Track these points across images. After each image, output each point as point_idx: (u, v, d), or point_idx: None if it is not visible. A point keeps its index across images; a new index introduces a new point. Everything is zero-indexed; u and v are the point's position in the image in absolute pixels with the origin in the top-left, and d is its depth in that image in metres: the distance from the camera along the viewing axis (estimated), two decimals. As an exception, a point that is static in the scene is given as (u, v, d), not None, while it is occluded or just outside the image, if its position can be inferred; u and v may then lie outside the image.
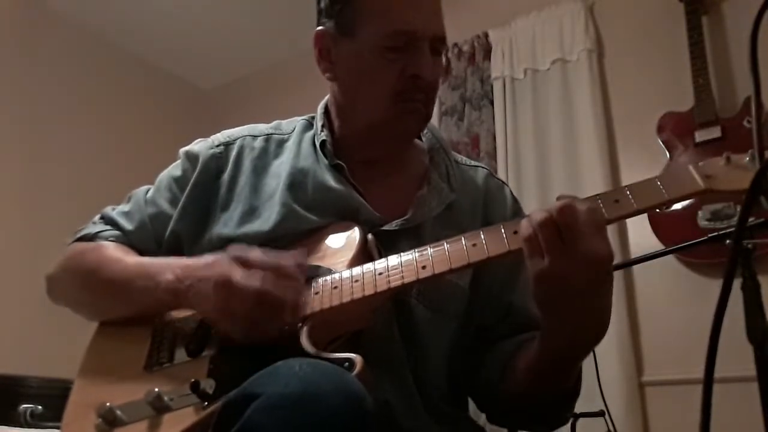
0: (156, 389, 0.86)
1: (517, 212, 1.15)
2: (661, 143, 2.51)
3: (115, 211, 1.15)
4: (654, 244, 2.30)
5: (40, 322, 2.28)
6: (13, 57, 3.16)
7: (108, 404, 0.88)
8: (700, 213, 2.29)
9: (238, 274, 0.87)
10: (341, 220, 1.03)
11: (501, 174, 2.76)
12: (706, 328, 0.62)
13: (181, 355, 0.93)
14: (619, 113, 2.75)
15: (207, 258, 0.94)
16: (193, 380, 0.84)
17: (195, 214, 1.10)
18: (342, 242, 1.00)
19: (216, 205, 1.09)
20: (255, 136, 1.16)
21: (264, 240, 1.00)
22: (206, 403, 0.83)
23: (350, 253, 0.97)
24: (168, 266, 0.96)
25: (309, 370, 0.70)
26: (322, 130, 1.13)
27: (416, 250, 0.91)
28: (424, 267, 0.88)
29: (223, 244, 1.03)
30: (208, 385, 0.84)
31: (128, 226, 1.11)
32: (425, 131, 1.18)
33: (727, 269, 0.63)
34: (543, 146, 2.81)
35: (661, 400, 2.38)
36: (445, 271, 0.87)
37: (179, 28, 3.58)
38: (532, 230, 0.80)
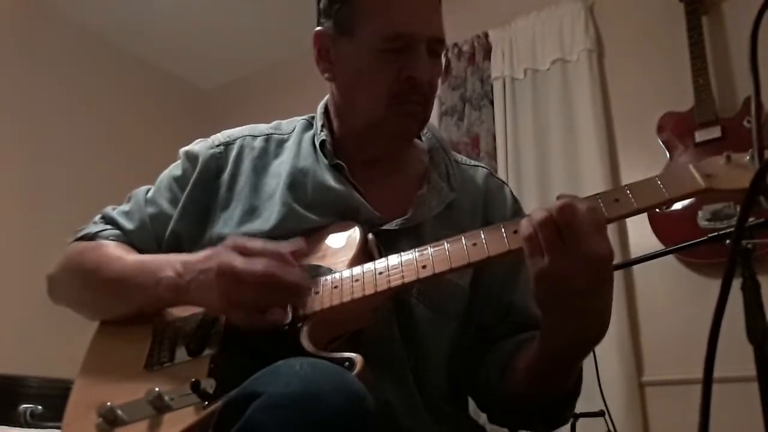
0: (157, 389, 0.86)
1: (517, 212, 1.15)
2: (661, 143, 2.51)
3: (115, 211, 1.15)
4: (654, 244, 2.30)
5: (40, 322, 2.29)
6: (13, 57, 3.16)
7: (109, 404, 0.88)
8: (700, 213, 2.29)
9: (239, 261, 0.87)
10: (341, 219, 1.03)
11: (501, 174, 2.76)
12: (706, 328, 0.62)
13: (181, 354, 0.93)
14: (619, 113, 2.75)
15: (205, 251, 0.94)
16: (193, 380, 0.84)
17: (195, 213, 1.10)
18: (342, 242, 1.00)
19: (216, 205, 1.09)
20: (255, 136, 1.16)
21: (264, 239, 1.00)
22: (207, 402, 0.83)
23: (350, 253, 0.97)
24: (168, 262, 0.97)
25: (309, 369, 0.70)
26: (321, 130, 1.13)
27: (416, 249, 0.91)
28: (424, 266, 0.88)
29: (223, 243, 1.04)
30: (209, 385, 0.84)
31: (128, 225, 1.12)
32: (425, 131, 1.18)
33: (727, 269, 0.63)
34: (543, 146, 2.81)
35: (661, 400, 2.38)
36: (446, 270, 0.87)
37: (179, 28, 3.58)
38: (532, 229, 0.80)
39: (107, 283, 1.02)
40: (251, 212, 1.06)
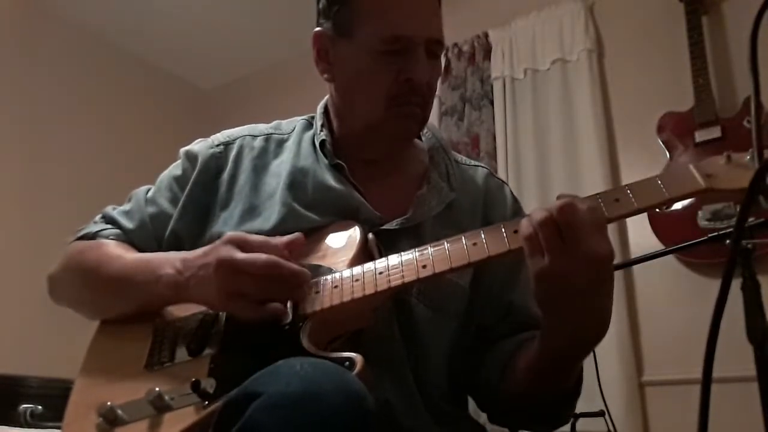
0: (157, 388, 0.86)
1: (517, 212, 1.16)
2: (661, 143, 2.51)
3: (115, 211, 1.15)
4: (654, 244, 2.30)
5: (40, 322, 2.29)
6: (13, 57, 3.16)
7: (109, 403, 0.88)
8: (700, 213, 2.29)
9: (239, 254, 0.88)
10: (341, 219, 1.03)
11: (501, 174, 2.76)
12: (706, 328, 0.62)
13: (182, 354, 0.93)
14: (619, 113, 2.75)
15: (205, 248, 0.94)
16: (193, 379, 0.84)
17: (195, 213, 1.10)
18: (342, 241, 1.00)
19: (216, 204, 1.10)
20: (255, 136, 1.17)
21: (264, 239, 1.01)
22: (207, 402, 0.83)
23: (351, 253, 0.97)
24: (167, 260, 0.97)
25: (310, 369, 0.70)
26: (321, 130, 1.13)
27: (416, 249, 0.91)
28: (424, 266, 0.88)
29: (223, 243, 1.04)
30: (209, 385, 0.84)
31: (129, 224, 1.12)
32: (425, 131, 1.18)
33: (726, 269, 0.63)
34: (543, 146, 2.81)
35: (661, 400, 2.38)
36: (446, 270, 0.87)
37: (179, 28, 3.58)
38: (532, 229, 0.80)
39: (107, 282, 1.02)
40: (251, 211, 1.06)
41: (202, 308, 0.97)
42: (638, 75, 2.72)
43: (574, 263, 0.77)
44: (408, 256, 0.91)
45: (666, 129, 2.51)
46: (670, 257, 2.38)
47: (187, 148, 1.17)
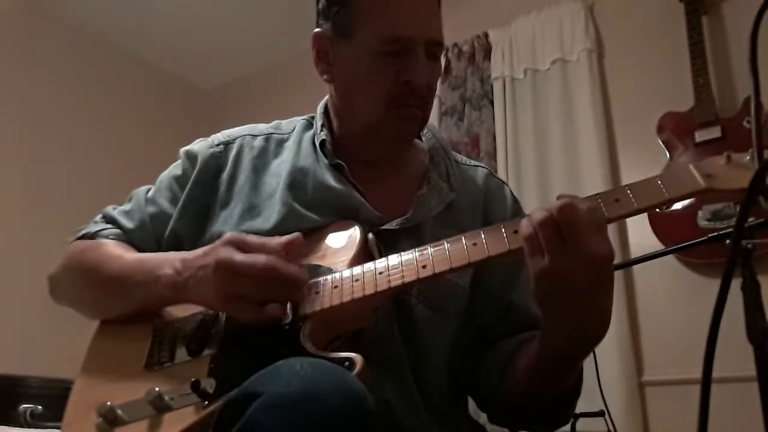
0: (157, 388, 0.86)
1: (517, 212, 1.16)
2: (661, 143, 2.51)
3: (116, 211, 1.15)
4: (654, 244, 2.30)
5: (40, 322, 2.29)
6: (13, 57, 3.16)
7: (109, 403, 0.88)
8: (700, 213, 2.29)
9: (238, 255, 0.88)
10: (341, 219, 1.03)
11: (501, 174, 2.76)
12: (706, 328, 0.62)
13: (181, 354, 0.93)
14: (619, 113, 2.75)
15: (204, 248, 0.94)
16: (193, 379, 0.84)
17: (195, 212, 1.10)
18: (342, 242, 1.00)
19: (216, 204, 1.10)
20: (255, 136, 1.17)
21: (264, 238, 1.01)
22: (207, 402, 0.83)
23: (351, 253, 0.97)
24: (166, 260, 0.97)
25: (310, 369, 0.70)
26: (321, 130, 1.13)
27: (416, 249, 0.91)
28: (424, 266, 0.88)
29: (223, 242, 1.04)
30: (209, 385, 0.84)
31: (129, 224, 1.12)
32: (425, 131, 1.18)
33: (726, 269, 0.63)
34: (543, 146, 2.81)
35: (661, 400, 2.38)
36: (446, 270, 0.87)
37: (179, 28, 3.58)
38: (532, 229, 0.80)
39: (107, 282, 1.02)
40: (251, 211, 1.06)
41: (201, 308, 0.97)
42: (638, 75, 2.72)
43: (573, 263, 0.77)
44: (408, 256, 0.90)
45: (666, 129, 2.51)
46: (670, 257, 2.38)
47: (187, 147, 1.17)
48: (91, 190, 2.98)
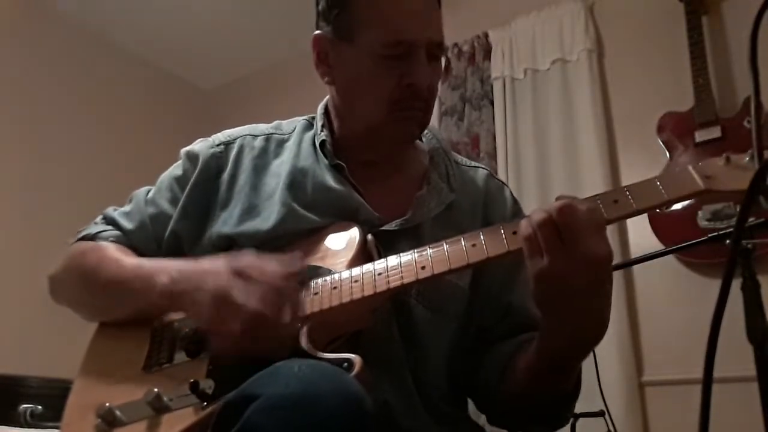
0: (155, 389, 0.86)
1: (517, 213, 1.15)
2: (661, 143, 2.51)
3: (116, 212, 1.15)
4: (654, 244, 2.30)
5: (40, 322, 2.29)
6: (13, 56, 3.16)
7: (107, 404, 0.88)
8: (700, 213, 2.29)
9: (236, 290, 0.86)
10: (341, 220, 1.03)
11: (501, 174, 2.76)
12: (706, 328, 0.62)
13: (180, 355, 0.93)
14: (619, 113, 2.75)
15: (204, 264, 0.93)
16: (192, 381, 0.84)
17: (195, 213, 1.10)
18: (342, 243, 1.00)
19: (216, 204, 1.09)
20: (255, 136, 1.16)
21: (263, 239, 1.01)
22: (205, 403, 0.83)
23: (350, 254, 0.97)
24: (164, 269, 0.96)
25: (308, 371, 0.70)
26: (321, 130, 1.13)
27: (415, 250, 0.91)
28: (423, 267, 0.88)
29: (222, 242, 1.04)
30: (207, 386, 0.84)
31: (128, 226, 1.12)
32: (425, 132, 1.18)
33: (727, 269, 0.63)
34: (543, 146, 2.80)
35: (661, 400, 2.38)
36: (445, 271, 0.87)
37: (179, 28, 3.58)
38: (531, 230, 0.80)
39: (105, 286, 1.02)
40: (250, 211, 1.06)
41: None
42: (638, 75, 2.72)
43: (572, 264, 0.77)
44: (407, 257, 0.90)
45: (666, 129, 2.51)
46: (670, 257, 2.38)
47: (187, 148, 1.17)
48: (91, 191, 2.98)
